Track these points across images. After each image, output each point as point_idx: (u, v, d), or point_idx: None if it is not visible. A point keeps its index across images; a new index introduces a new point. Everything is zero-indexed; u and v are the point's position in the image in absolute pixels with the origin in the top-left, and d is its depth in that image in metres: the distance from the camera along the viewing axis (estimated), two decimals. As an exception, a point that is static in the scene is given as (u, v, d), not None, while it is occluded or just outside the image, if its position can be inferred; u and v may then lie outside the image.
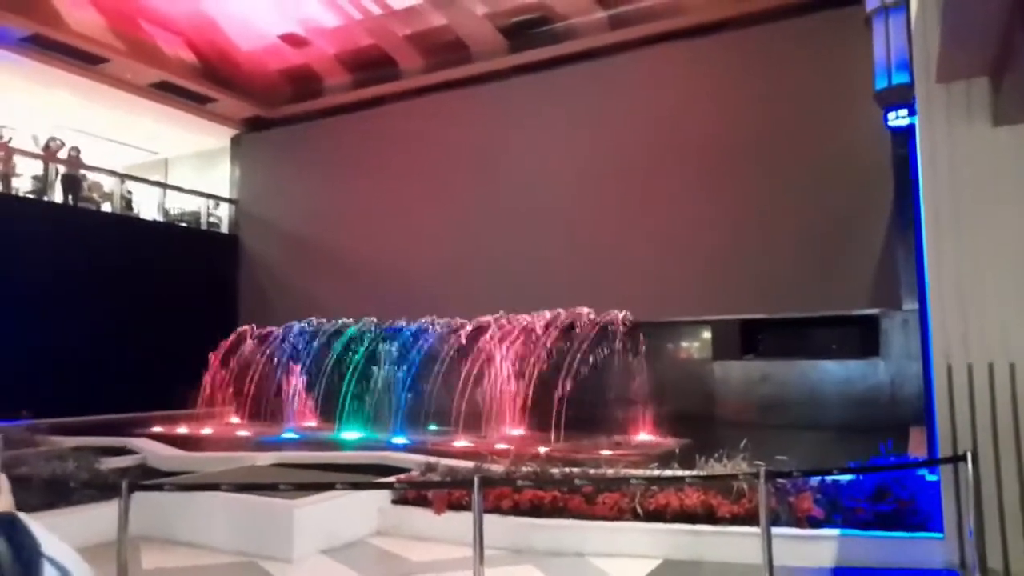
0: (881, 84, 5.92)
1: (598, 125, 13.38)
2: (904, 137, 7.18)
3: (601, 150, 13.27)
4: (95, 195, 16.10)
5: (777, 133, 11.72)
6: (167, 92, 15.66)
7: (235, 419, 12.07)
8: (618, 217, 12.96)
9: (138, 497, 4.61)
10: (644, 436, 9.74)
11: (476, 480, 3.95)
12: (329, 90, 16.52)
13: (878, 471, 5.37)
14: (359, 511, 6.23)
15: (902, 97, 5.73)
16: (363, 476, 6.96)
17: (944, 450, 4.84)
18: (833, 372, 11.16)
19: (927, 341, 5.65)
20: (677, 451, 7.83)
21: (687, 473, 5.80)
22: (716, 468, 5.87)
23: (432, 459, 7.21)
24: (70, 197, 15.07)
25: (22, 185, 14.72)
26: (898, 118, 6.13)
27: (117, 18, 14.08)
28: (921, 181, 5.20)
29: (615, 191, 13.04)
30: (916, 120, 5.24)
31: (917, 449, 7.47)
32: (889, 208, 10.49)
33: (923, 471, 5.62)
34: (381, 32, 14.80)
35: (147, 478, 7.63)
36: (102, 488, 5.45)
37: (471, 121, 14.71)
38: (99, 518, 5.54)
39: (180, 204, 17.97)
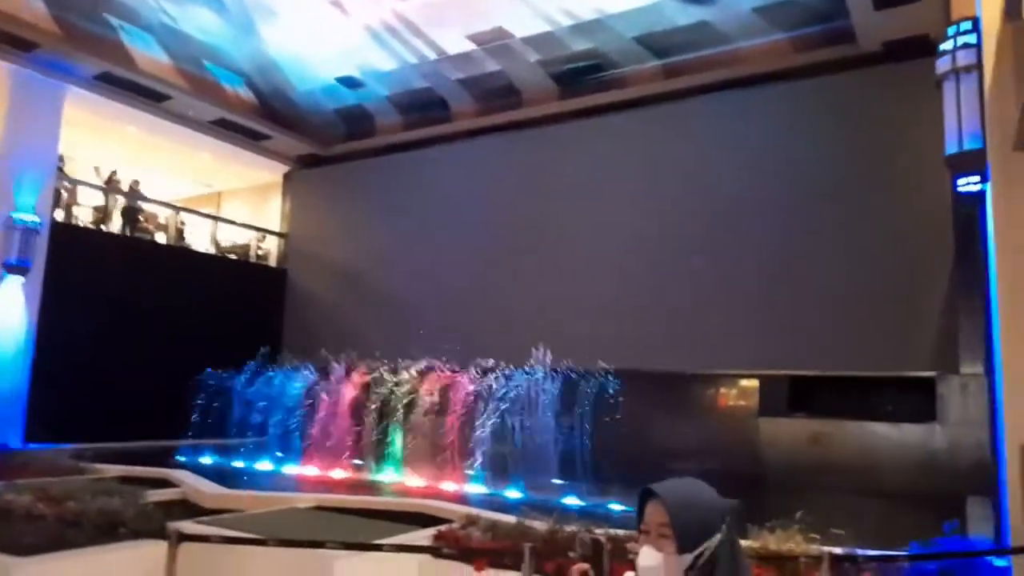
0: (951, 149, 5.76)
1: (649, 172, 13.33)
2: (971, 201, 6.98)
3: (654, 197, 13.19)
4: (150, 226, 16.58)
5: (836, 187, 11.51)
6: (225, 129, 16.14)
7: (279, 452, 12.08)
8: (670, 265, 12.78)
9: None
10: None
11: (526, 550, 3.84)
12: (381, 130, 16.81)
13: (947, 558, 5.08)
14: (399, 565, 6.12)
15: (974, 163, 5.58)
16: (403, 526, 6.87)
17: (1019, 538, 4.57)
18: (886, 435, 10.74)
19: (996, 413, 5.40)
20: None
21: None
22: (769, 539, 5.61)
23: (473, 511, 7.08)
24: (127, 228, 15.53)
25: (83, 215, 15.23)
26: (968, 184, 5.97)
27: (183, 58, 14.61)
28: (994, 248, 5.01)
29: (667, 239, 12.91)
30: (988, 187, 5.07)
31: (979, 526, 7.10)
32: (948, 270, 10.18)
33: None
34: (434, 76, 15.07)
35: (188, 514, 7.65)
36: (150, 534, 5.46)
37: (519, 164, 14.81)
38: (145, 557, 5.54)
39: (231, 237, 18.40)
